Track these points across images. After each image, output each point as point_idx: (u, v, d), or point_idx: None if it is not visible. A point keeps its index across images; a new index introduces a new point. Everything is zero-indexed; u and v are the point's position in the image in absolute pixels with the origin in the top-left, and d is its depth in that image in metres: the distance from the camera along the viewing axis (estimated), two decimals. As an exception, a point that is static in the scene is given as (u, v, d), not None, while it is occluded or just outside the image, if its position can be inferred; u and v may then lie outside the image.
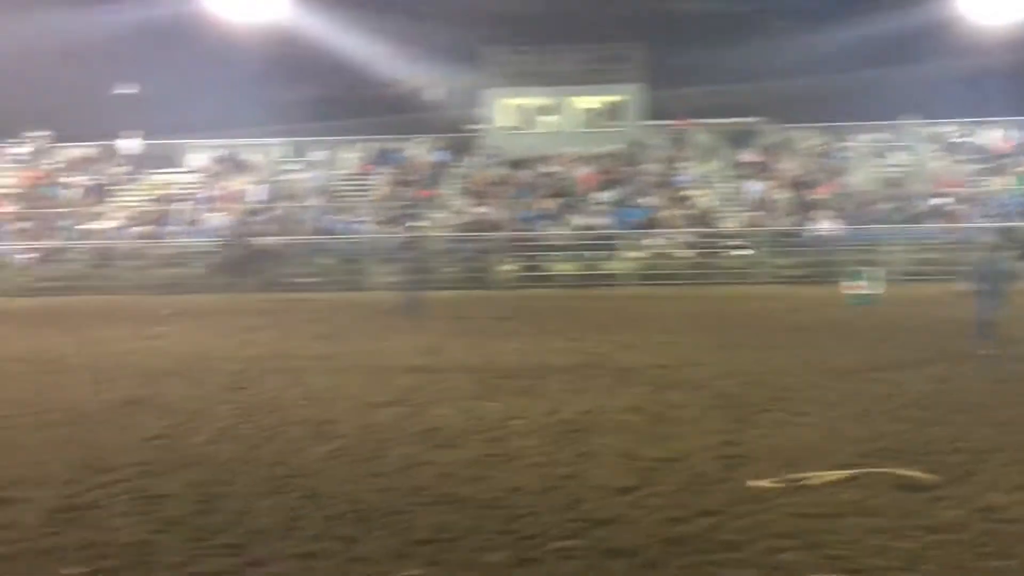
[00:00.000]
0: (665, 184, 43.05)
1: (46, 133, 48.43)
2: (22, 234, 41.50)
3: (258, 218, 42.05)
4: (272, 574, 8.85)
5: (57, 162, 47.79)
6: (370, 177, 45.76)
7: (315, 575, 8.82)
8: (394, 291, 29.95)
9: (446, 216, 42.23)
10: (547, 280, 37.62)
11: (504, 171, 44.87)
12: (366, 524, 9.94)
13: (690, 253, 39.07)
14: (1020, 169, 42.74)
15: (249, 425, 14.31)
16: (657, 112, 48.70)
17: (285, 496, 10.89)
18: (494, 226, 39.87)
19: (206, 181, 45.54)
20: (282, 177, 46.40)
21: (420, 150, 47.63)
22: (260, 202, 43.55)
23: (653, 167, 44.29)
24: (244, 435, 13.76)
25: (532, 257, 39.21)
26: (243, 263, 37.46)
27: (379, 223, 40.90)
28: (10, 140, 48.44)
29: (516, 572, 8.79)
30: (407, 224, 40.87)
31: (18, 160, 47.90)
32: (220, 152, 48.09)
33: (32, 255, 40.38)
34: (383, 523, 9.96)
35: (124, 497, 10.89)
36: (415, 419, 14.52)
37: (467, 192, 43.32)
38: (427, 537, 9.52)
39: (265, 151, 48.26)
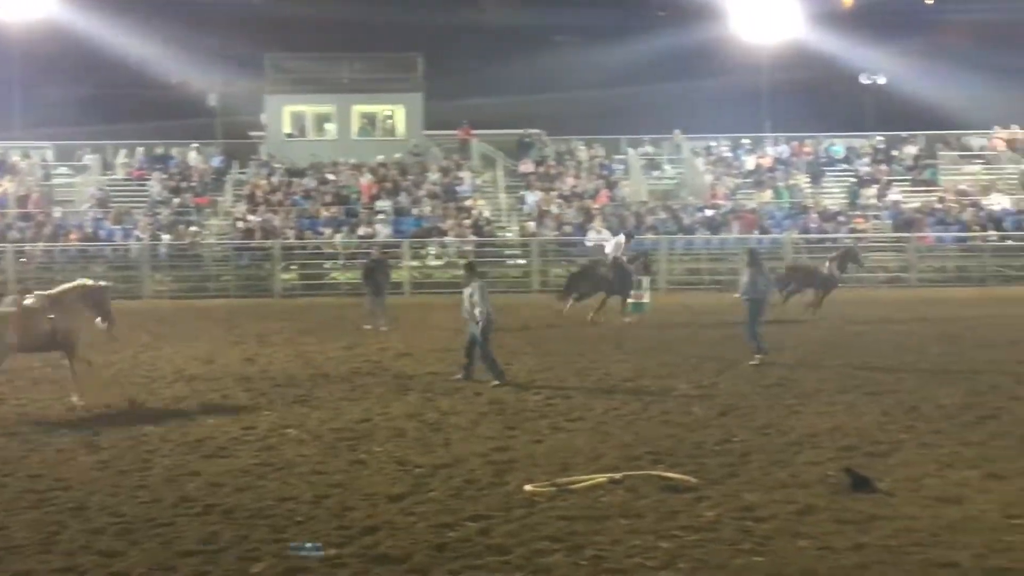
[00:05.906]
0: (444, 194, 43.18)
1: None
2: None
3: (23, 224, 40.31)
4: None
5: None
6: (144, 182, 44.47)
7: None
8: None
9: (224, 223, 41.39)
10: (327, 288, 37.31)
11: (284, 178, 44.25)
12: (129, 537, 9.72)
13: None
14: (782, 183, 44.45)
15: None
16: (437, 122, 48.85)
17: (46, 510, 10.57)
18: (273, 234, 39.25)
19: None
20: (51, 181, 44.67)
21: (198, 156, 46.50)
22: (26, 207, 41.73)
23: (433, 176, 44.39)
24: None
25: (312, 265, 38.84)
26: None
27: (154, 230, 39.70)
28: None
29: (284, 582, 8.72)
30: (185, 231, 39.84)
31: None
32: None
33: None
34: (147, 536, 9.75)
35: None
36: (185, 429, 14.23)
37: (246, 199, 42.52)
38: (192, 549, 9.36)
39: (34, 153, 46.22)
